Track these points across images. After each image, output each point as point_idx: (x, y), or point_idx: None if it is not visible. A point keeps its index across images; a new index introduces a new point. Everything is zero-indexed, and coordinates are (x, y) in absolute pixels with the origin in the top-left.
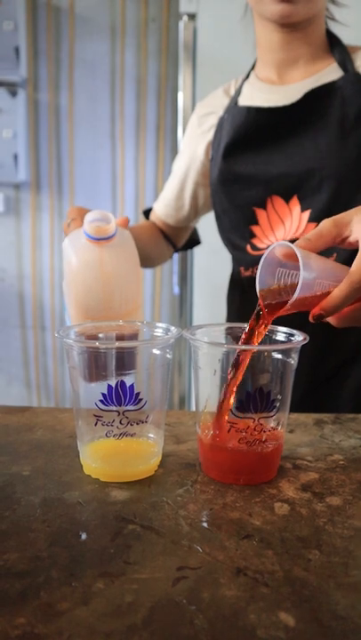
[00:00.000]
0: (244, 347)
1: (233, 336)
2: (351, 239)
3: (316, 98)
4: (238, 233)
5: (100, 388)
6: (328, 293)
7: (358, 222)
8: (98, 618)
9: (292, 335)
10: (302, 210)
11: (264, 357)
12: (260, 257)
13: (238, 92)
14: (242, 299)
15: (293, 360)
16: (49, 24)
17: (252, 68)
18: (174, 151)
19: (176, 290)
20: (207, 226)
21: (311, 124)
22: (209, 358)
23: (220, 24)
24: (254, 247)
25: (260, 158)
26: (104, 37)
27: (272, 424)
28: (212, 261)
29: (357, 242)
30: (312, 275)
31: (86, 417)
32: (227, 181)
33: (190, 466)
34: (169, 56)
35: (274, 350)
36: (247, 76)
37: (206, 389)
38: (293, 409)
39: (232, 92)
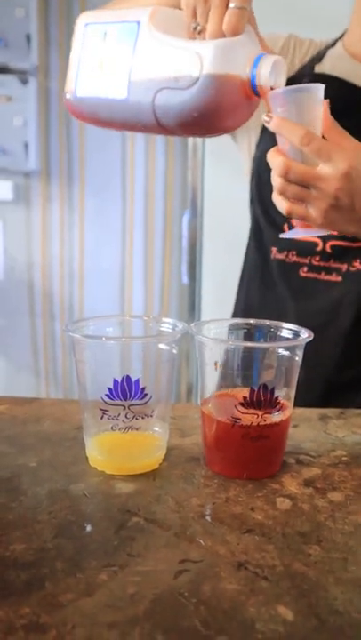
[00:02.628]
0: (248, 343)
1: (239, 331)
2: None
3: None
4: None
5: (106, 381)
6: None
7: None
8: (101, 609)
9: (297, 332)
10: None
11: (269, 353)
12: (298, 241)
13: (320, 58)
14: (268, 283)
15: (298, 357)
16: (60, 11)
17: (340, 37)
18: (184, 140)
19: (185, 280)
20: (218, 216)
21: None
22: (214, 354)
23: None
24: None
25: None
26: None
27: (276, 419)
28: (222, 251)
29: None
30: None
31: (92, 410)
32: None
33: (194, 460)
34: None
35: (279, 347)
36: (333, 44)
37: (211, 384)
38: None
39: (313, 52)
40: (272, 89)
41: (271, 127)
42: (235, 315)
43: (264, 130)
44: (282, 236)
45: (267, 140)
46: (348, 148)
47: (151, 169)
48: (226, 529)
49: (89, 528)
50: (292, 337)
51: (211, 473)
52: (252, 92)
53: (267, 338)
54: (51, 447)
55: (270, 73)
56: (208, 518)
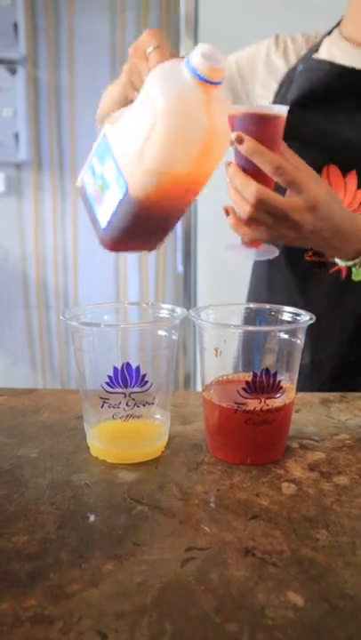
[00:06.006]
0: (249, 327)
1: (238, 316)
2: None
3: None
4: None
5: (105, 370)
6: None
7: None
8: (108, 599)
9: (298, 315)
10: (359, 187)
11: (270, 337)
12: None
13: (317, 47)
14: (276, 267)
15: (300, 340)
16: None
17: (337, 24)
18: None
19: (180, 268)
20: (212, 204)
21: None
22: (214, 339)
23: None
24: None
25: (326, 121)
26: (104, 12)
27: (279, 404)
28: (217, 239)
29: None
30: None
31: (92, 399)
32: (285, 139)
33: (197, 446)
34: (170, 30)
35: (281, 330)
36: (329, 32)
37: (212, 370)
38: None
39: (310, 43)
40: (216, 71)
41: (243, 150)
42: (248, 300)
43: None
44: (229, 252)
45: None
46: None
47: None
48: (231, 515)
49: (92, 518)
50: (292, 320)
51: (214, 459)
52: (205, 82)
53: (267, 322)
54: (51, 437)
55: (203, 56)
56: (213, 505)
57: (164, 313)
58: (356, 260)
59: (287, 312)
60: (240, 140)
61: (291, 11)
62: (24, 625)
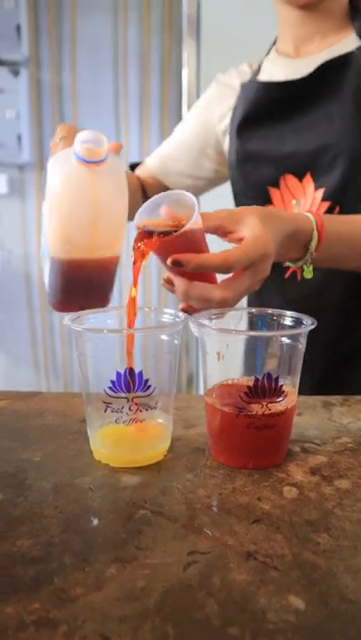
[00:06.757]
0: (251, 332)
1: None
2: (237, 236)
3: (330, 70)
4: None
5: (108, 374)
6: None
7: (249, 224)
8: (111, 603)
9: (300, 320)
10: (316, 188)
11: (273, 342)
12: None
13: (258, 69)
14: None
15: (302, 345)
16: (50, 1)
17: (274, 42)
18: None
19: None
20: (212, 206)
21: (324, 98)
22: (216, 344)
23: None
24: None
25: (271, 135)
26: (106, 13)
27: (281, 408)
28: (217, 240)
29: (243, 239)
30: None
31: (96, 403)
32: (241, 161)
33: (199, 450)
34: (173, 31)
35: (283, 335)
36: (268, 52)
37: (214, 374)
38: (313, 390)
39: (255, 67)
40: (94, 152)
41: (188, 270)
42: (249, 304)
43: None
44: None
45: (232, 154)
46: (249, 223)
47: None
48: (233, 519)
49: (96, 522)
50: (294, 325)
51: (216, 463)
52: (86, 162)
53: (269, 326)
54: (54, 441)
55: (82, 141)
56: (215, 509)
57: (166, 317)
58: (307, 258)
59: (289, 317)
60: (179, 265)
61: None
62: (28, 629)
